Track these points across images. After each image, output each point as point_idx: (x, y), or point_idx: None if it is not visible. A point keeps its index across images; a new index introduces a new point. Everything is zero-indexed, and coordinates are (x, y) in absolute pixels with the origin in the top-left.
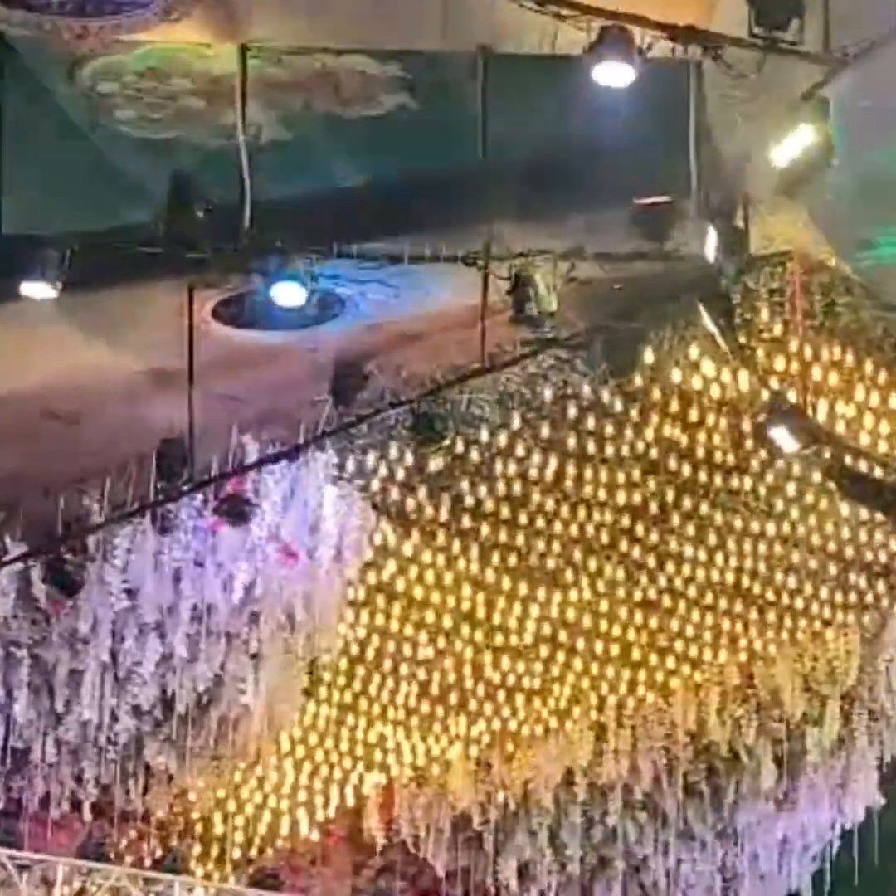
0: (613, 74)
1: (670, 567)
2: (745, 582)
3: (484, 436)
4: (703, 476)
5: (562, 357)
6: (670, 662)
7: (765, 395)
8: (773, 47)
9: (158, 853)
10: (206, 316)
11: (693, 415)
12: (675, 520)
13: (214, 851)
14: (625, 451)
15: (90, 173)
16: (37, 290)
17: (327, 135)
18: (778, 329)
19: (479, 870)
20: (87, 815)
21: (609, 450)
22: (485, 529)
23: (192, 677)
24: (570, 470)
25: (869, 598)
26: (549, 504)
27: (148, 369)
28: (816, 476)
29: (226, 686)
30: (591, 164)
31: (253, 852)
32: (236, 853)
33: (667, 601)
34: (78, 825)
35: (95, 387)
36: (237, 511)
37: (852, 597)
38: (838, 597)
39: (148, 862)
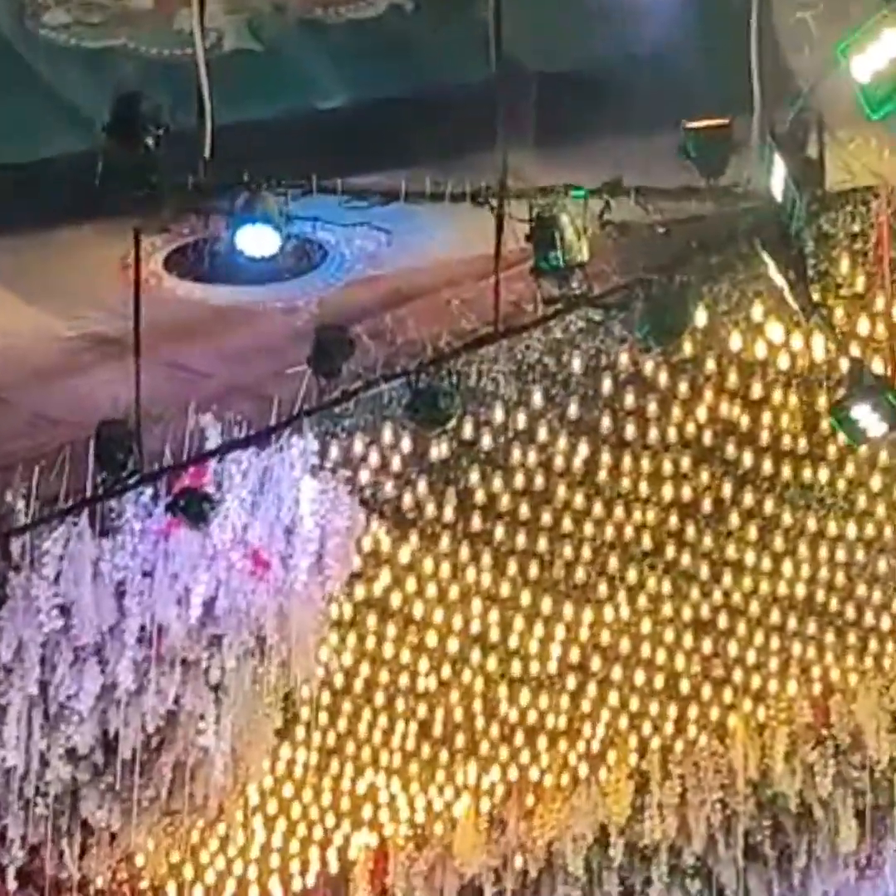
0: None
1: (727, 578)
2: (820, 596)
3: (498, 416)
4: (767, 466)
5: (594, 319)
6: (727, 696)
7: (845, 365)
8: None
9: None
10: (156, 268)
11: (756, 390)
12: (734, 520)
13: None
14: (672, 435)
15: (13, 91)
16: None
17: (304, 43)
18: (861, 283)
19: None
20: (11, 883)
21: (653, 433)
22: (499, 532)
23: (140, 714)
24: (605, 458)
25: None
26: (579, 500)
27: (84, 334)
28: None
29: (181, 725)
30: (630, 78)
31: None
32: None
33: (723, 621)
34: None
35: (19, 357)
36: (195, 509)
37: None
38: None
39: None
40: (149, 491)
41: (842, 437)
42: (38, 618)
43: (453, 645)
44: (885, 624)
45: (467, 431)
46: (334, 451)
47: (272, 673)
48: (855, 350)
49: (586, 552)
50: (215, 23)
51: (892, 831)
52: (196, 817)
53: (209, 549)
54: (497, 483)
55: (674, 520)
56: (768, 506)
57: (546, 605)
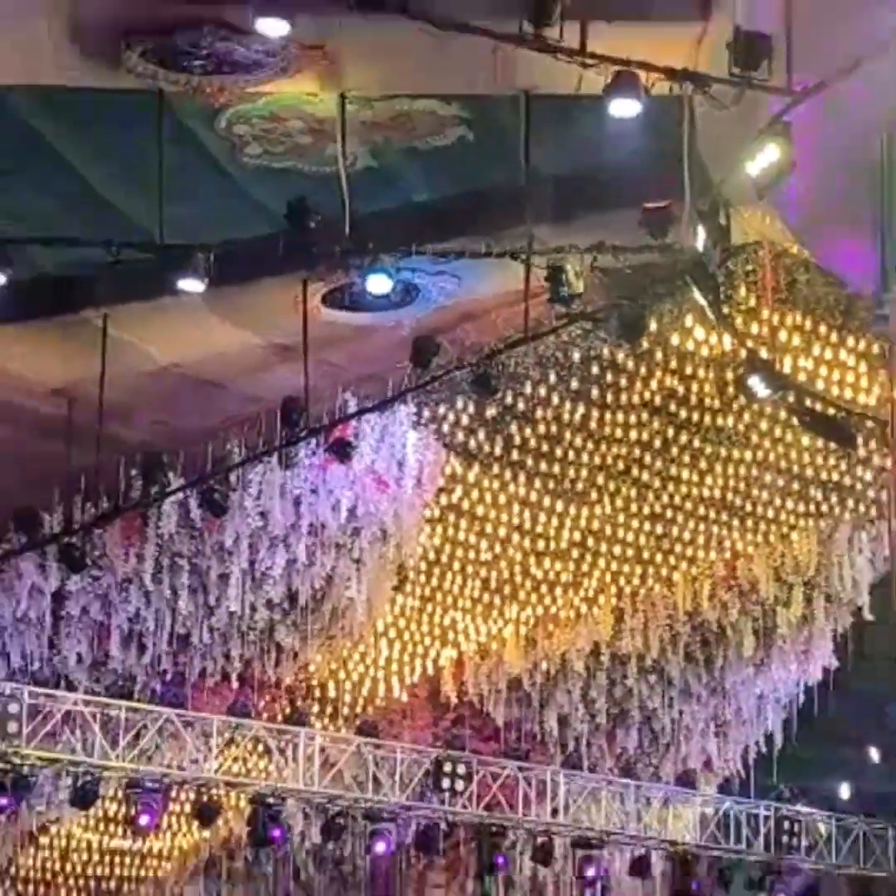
0: (625, 108)
1: (671, 487)
2: (729, 497)
3: (527, 389)
4: (695, 416)
5: (587, 327)
6: (672, 560)
7: (743, 353)
8: (747, 83)
9: (287, 711)
10: (317, 303)
11: (687, 369)
12: (674, 451)
13: (329, 710)
14: (635, 398)
15: (227, 196)
16: (189, 285)
17: (405, 161)
18: (752, 302)
19: (528, 720)
20: (234, 683)
21: (623, 398)
22: (530, 461)
23: (311, 578)
24: (595, 414)
25: (824, 508)
26: (578, 441)
27: (272, 345)
28: (783, 415)
29: (335, 584)
30: (609, 179)
31: (358, 709)
32: (346, 710)
33: (669, 513)
34: (227, 691)
35: (233, 359)
36: (342, 451)
37: (812, 507)
38: (800, 507)
39: (280, 718)
40: (313, 441)
41: (742, 398)
42: (246, 520)
43: (501, 531)
44: (770, 514)
45: (508, 399)
46: (427, 413)
47: (390, 551)
48: (750, 343)
49: (583, 472)
50: (351, 150)
51: (776, 642)
52: (346, 641)
53: (351, 476)
54: (528, 430)
55: (636, 451)
56: (695, 442)
57: (559, 505)
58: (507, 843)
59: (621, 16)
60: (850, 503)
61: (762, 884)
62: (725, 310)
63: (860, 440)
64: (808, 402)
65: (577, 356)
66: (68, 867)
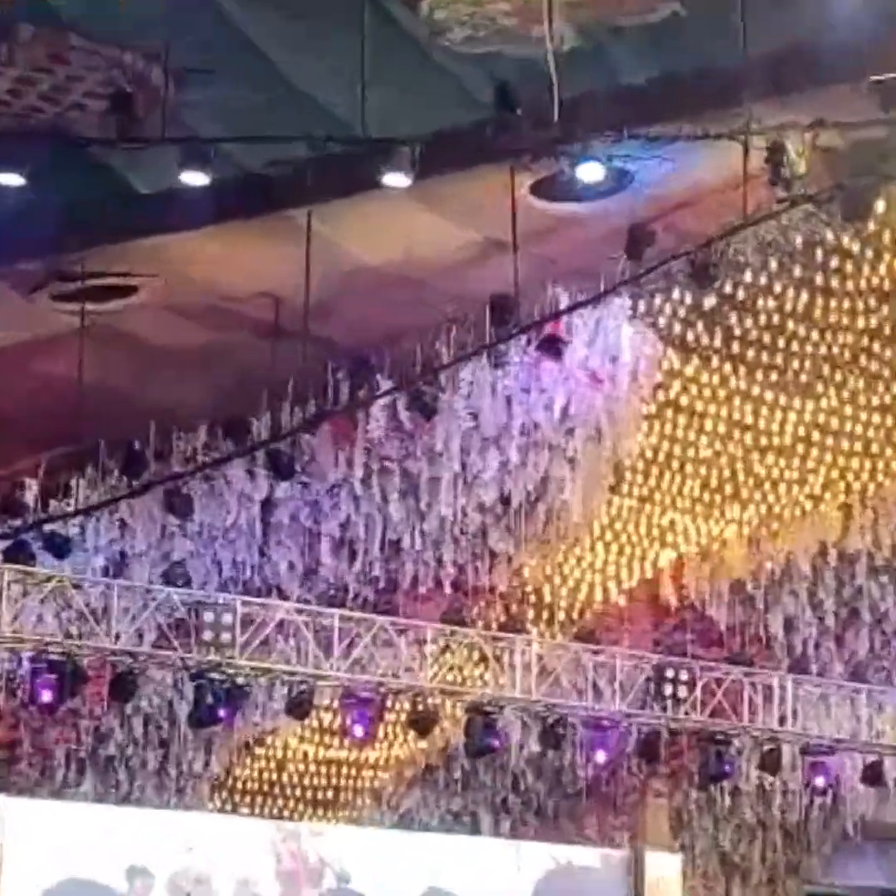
0: None
1: None
2: None
3: (748, 277)
4: None
5: (810, 210)
6: None
7: None
8: None
9: (502, 618)
10: (525, 193)
11: None
12: None
13: (545, 616)
14: (862, 284)
15: (430, 84)
16: (395, 179)
17: (614, 40)
18: None
19: (752, 624)
20: (448, 589)
21: (849, 284)
22: (751, 353)
23: (524, 480)
24: (819, 302)
25: None
26: (802, 330)
27: (481, 239)
28: None
29: (550, 486)
30: (830, 52)
31: (575, 615)
32: (562, 616)
33: None
34: (440, 598)
35: (440, 254)
36: (554, 348)
37: None
38: None
39: (495, 625)
40: (524, 337)
41: None
42: (456, 422)
43: (722, 428)
44: None
45: (728, 288)
46: (642, 306)
47: (606, 450)
48: None
49: (808, 364)
50: (558, 31)
51: None
52: (560, 544)
53: (564, 373)
54: (748, 321)
55: (864, 340)
56: None
57: (782, 399)
58: (732, 750)
59: None
60: None
61: None
62: None
63: None
64: None
65: (799, 241)
66: (284, 777)
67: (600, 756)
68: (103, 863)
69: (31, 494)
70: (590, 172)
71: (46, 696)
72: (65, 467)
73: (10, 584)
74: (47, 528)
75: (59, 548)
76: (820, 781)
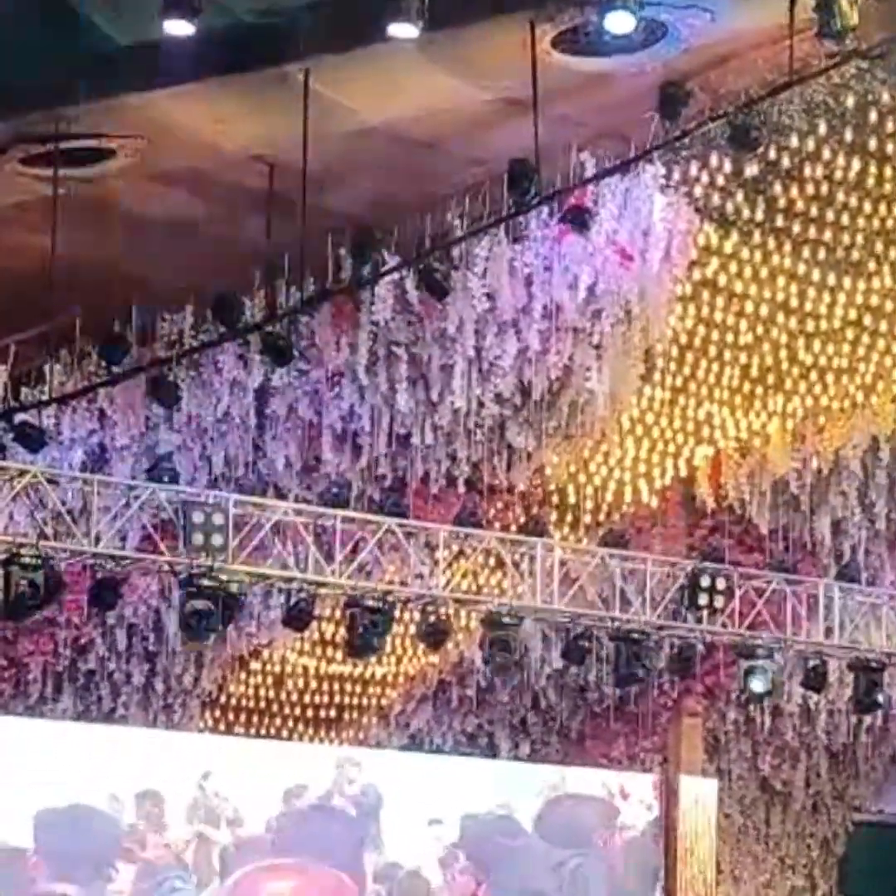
0: None
1: None
2: None
3: (793, 142)
4: None
5: (863, 67)
6: None
7: None
8: None
9: (522, 520)
10: (546, 47)
11: None
12: None
13: (568, 518)
14: None
15: None
16: (402, 30)
17: None
18: None
19: (796, 528)
20: (461, 489)
21: None
22: (796, 227)
23: (545, 368)
24: (872, 170)
25: None
26: (853, 201)
27: (497, 98)
28: None
29: (574, 374)
30: None
31: (601, 517)
32: (587, 518)
33: None
34: (453, 498)
35: (452, 116)
36: (579, 220)
37: None
38: None
39: (513, 528)
40: (546, 209)
41: None
42: (471, 302)
43: (764, 310)
44: None
45: (771, 155)
46: (676, 174)
47: (636, 335)
48: None
49: (859, 239)
50: None
51: None
52: (586, 439)
53: (590, 249)
54: (794, 191)
55: None
56: None
57: (831, 278)
58: (774, 665)
59: None
60: None
61: None
62: None
63: None
64: None
65: (851, 102)
66: (283, 695)
67: (629, 671)
68: (102, 785)
69: (1, 380)
70: (619, 22)
71: (20, 606)
72: (37, 351)
73: None
74: (18, 418)
75: (33, 440)
76: (869, 700)
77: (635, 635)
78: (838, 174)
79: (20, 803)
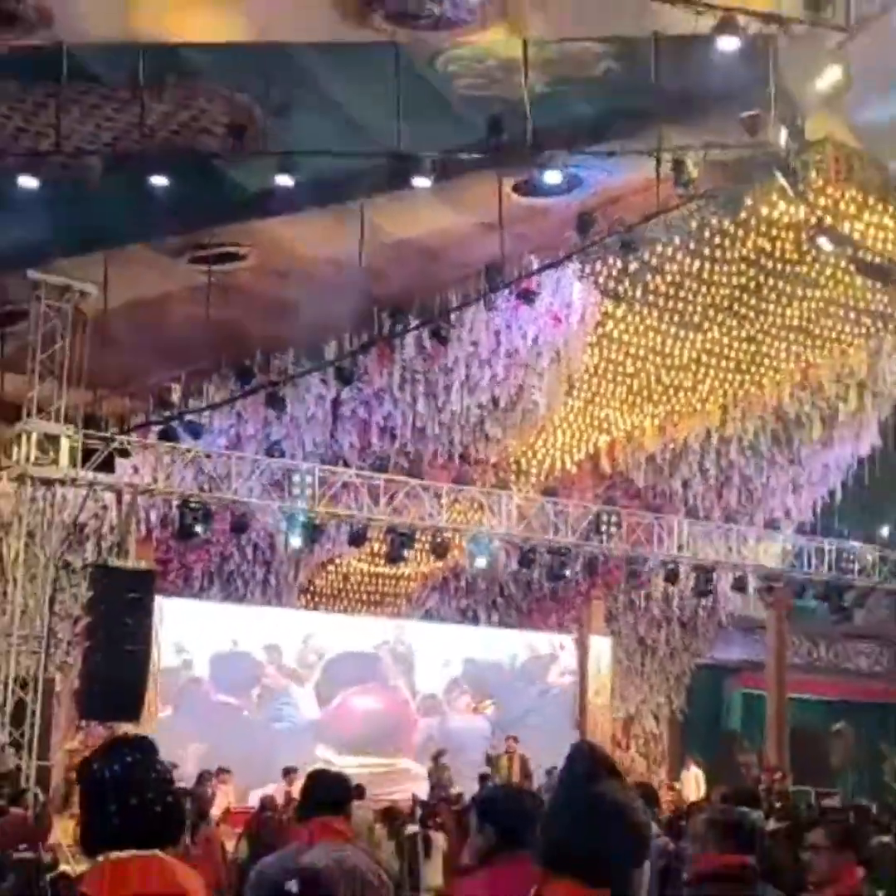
0: (728, 43)
1: (762, 318)
2: (804, 324)
3: (659, 249)
4: (779, 266)
5: (701, 203)
6: (762, 370)
7: (814, 219)
8: (817, 21)
9: (493, 480)
10: (508, 191)
11: (773, 232)
12: (764, 291)
13: (522, 479)
14: (736, 254)
15: (444, 115)
16: (420, 182)
17: (570, 87)
18: (820, 182)
19: (660, 485)
20: (457, 461)
21: (727, 254)
22: (660, 301)
23: (508, 387)
24: (706, 266)
25: (872, 330)
26: (694, 285)
27: (478, 223)
28: (842, 263)
29: (525, 392)
30: (717, 95)
31: (542, 478)
32: (533, 479)
33: (760, 337)
34: (452, 467)
35: (450, 235)
36: (528, 297)
37: (863, 330)
38: (855, 330)
39: (488, 485)
40: (508, 290)
41: (813, 252)
42: (462, 347)
43: (640, 352)
44: (833, 335)
45: (645, 256)
46: (587, 269)
47: (563, 368)
48: (819, 212)
49: (699, 308)
50: (530, 81)
51: (836, 427)
52: (532, 431)
53: (534, 315)
54: (659, 279)
55: (736, 292)
56: (779, 284)
57: (681, 332)
58: (647, 569)
59: None
60: (891, 326)
61: (827, 596)
62: (801, 188)
63: None
64: (860, 254)
65: (694, 224)
66: (348, 586)
67: (560, 572)
68: (244, 639)
69: (176, 395)
70: (552, 177)
71: (195, 529)
72: (199, 377)
73: (162, 455)
74: (187, 418)
75: (196, 431)
76: (704, 589)
77: (562, 550)
78: (685, 269)
79: (199, 651)
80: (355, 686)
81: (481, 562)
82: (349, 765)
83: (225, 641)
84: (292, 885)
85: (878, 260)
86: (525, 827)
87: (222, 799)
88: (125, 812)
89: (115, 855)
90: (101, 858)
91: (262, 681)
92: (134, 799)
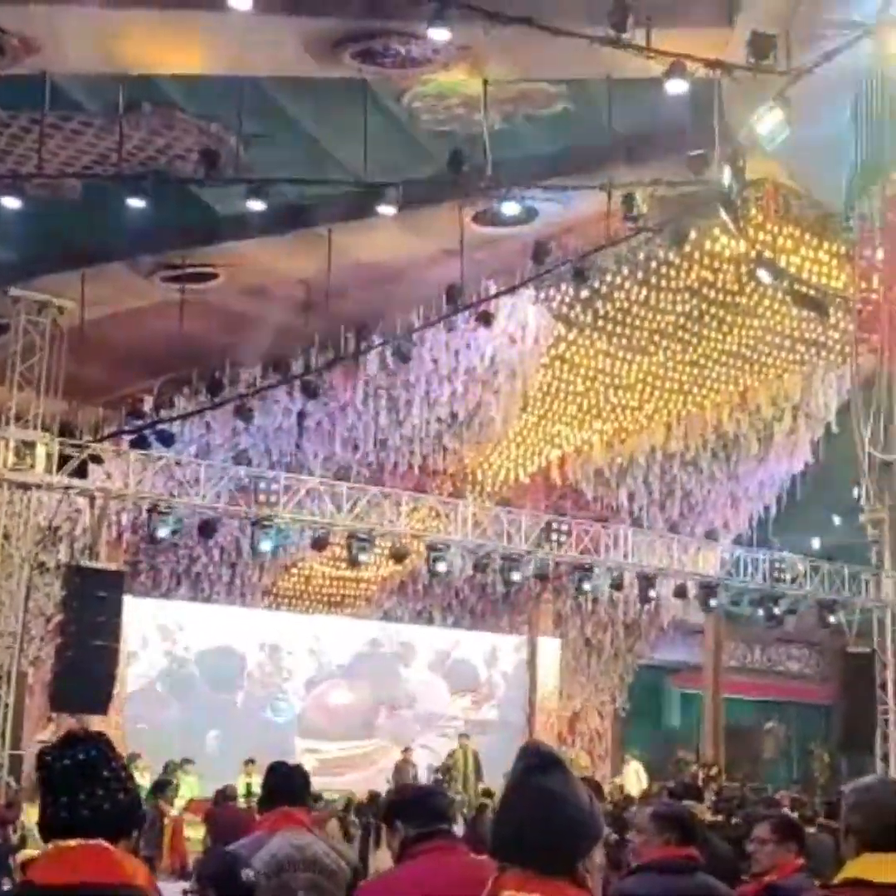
0: (676, 87)
1: (704, 343)
2: (743, 350)
3: (608, 278)
4: (720, 296)
5: (648, 236)
6: (704, 391)
7: (753, 253)
8: (759, 68)
9: (450, 490)
10: (468, 221)
11: (716, 264)
12: (706, 319)
13: (478, 489)
14: (680, 284)
15: (408, 148)
16: (386, 210)
17: (527, 125)
18: (760, 218)
19: (607, 496)
20: (416, 471)
21: (672, 283)
22: (609, 326)
23: (465, 403)
24: (653, 294)
25: (806, 356)
26: (641, 312)
27: (440, 250)
28: (780, 295)
29: (482, 407)
30: (664, 135)
31: (496, 488)
32: (488, 489)
33: (702, 361)
34: (412, 477)
35: (413, 259)
36: (486, 320)
37: (798, 356)
38: (791, 356)
39: (446, 494)
40: (467, 312)
41: (752, 284)
42: (423, 365)
43: (590, 373)
44: (770, 361)
45: (596, 284)
46: (542, 295)
47: (518, 385)
48: (758, 246)
49: (645, 333)
50: (491, 118)
51: (771, 446)
52: (488, 444)
53: (491, 336)
54: (608, 305)
55: (681, 319)
56: (721, 313)
57: (628, 356)
58: (594, 575)
59: (674, 25)
60: (824, 353)
61: (761, 603)
62: (742, 224)
63: (831, 311)
64: (796, 286)
65: (642, 256)
66: (310, 588)
67: (513, 577)
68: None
69: (148, 405)
70: (509, 208)
71: (158, 534)
72: (171, 388)
73: (134, 462)
74: (159, 426)
75: (166, 439)
76: (646, 595)
77: (514, 557)
78: (633, 296)
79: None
80: (322, 684)
81: (442, 566)
82: (328, 750)
83: (207, 638)
84: (249, 874)
85: (812, 292)
86: (434, 820)
87: (186, 789)
88: (73, 805)
89: (62, 843)
90: (50, 846)
91: (237, 679)
92: (82, 794)
